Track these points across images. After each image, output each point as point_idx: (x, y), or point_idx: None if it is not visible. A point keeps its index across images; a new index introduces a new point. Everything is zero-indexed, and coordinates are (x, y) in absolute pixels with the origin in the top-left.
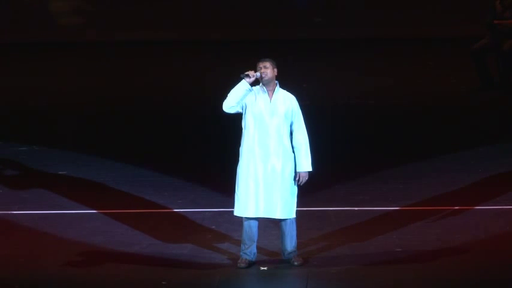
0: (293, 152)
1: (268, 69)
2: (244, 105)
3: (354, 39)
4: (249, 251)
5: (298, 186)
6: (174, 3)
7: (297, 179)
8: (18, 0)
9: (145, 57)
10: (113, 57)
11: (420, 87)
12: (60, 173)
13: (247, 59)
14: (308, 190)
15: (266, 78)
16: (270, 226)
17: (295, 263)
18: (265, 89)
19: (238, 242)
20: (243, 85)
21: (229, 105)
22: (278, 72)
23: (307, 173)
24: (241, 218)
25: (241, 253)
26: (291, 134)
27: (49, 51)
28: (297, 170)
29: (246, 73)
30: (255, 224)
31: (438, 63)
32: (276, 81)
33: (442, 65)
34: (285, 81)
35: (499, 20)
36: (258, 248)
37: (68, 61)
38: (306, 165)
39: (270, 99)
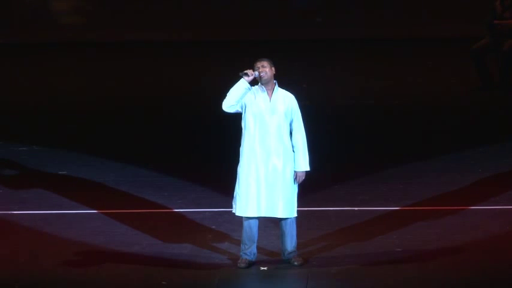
0: (293, 151)
1: (266, 68)
2: (243, 104)
3: (354, 39)
4: (249, 251)
5: (297, 186)
6: (174, 3)
7: (294, 177)
8: (19, 0)
9: (146, 57)
10: (113, 58)
11: (420, 87)
12: (60, 173)
13: (247, 59)
14: (308, 190)
15: (265, 77)
16: (270, 226)
17: (295, 263)
18: (264, 88)
19: (238, 242)
20: (242, 83)
21: (229, 104)
22: (278, 72)
23: (304, 173)
24: (241, 218)
25: (241, 253)
26: (290, 133)
27: (49, 51)
28: (295, 169)
29: (245, 72)
30: (255, 224)
31: (438, 63)
32: (275, 81)
33: (442, 65)
34: (285, 81)
35: (499, 20)
36: (258, 248)
37: (68, 61)
38: (303, 164)
39: (270, 98)
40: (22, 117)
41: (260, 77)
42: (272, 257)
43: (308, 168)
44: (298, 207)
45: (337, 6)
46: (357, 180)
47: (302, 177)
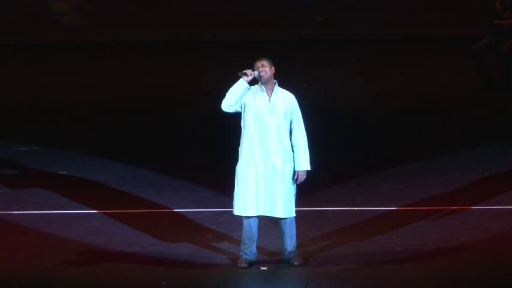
0: (293, 150)
1: (266, 68)
2: (243, 104)
3: (354, 39)
4: (249, 250)
5: (297, 185)
6: (174, 3)
7: (295, 177)
8: (19, 0)
9: (146, 58)
10: (113, 58)
11: (420, 87)
12: (60, 173)
13: (247, 59)
14: (308, 190)
15: (265, 77)
16: (270, 226)
17: (295, 263)
18: (263, 88)
19: (238, 242)
20: (241, 84)
21: (228, 104)
22: (278, 72)
23: (305, 172)
24: (241, 217)
25: (241, 253)
26: (290, 132)
27: (49, 51)
28: (295, 169)
29: (244, 71)
30: (254, 223)
31: (438, 63)
32: (275, 81)
33: (442, 65)
34: (285, 81)
35: (499, 20)
36: (258, 248)
37: (68, 61)
38: (304, 164)
39: (269, 98)
40: (22, 117)
41: (260, 76)
42: (272, 257)
43: (309, 168)
44: (298, 207)
45: (337, 6)
46: (357, 180)
47: (303, 177)
